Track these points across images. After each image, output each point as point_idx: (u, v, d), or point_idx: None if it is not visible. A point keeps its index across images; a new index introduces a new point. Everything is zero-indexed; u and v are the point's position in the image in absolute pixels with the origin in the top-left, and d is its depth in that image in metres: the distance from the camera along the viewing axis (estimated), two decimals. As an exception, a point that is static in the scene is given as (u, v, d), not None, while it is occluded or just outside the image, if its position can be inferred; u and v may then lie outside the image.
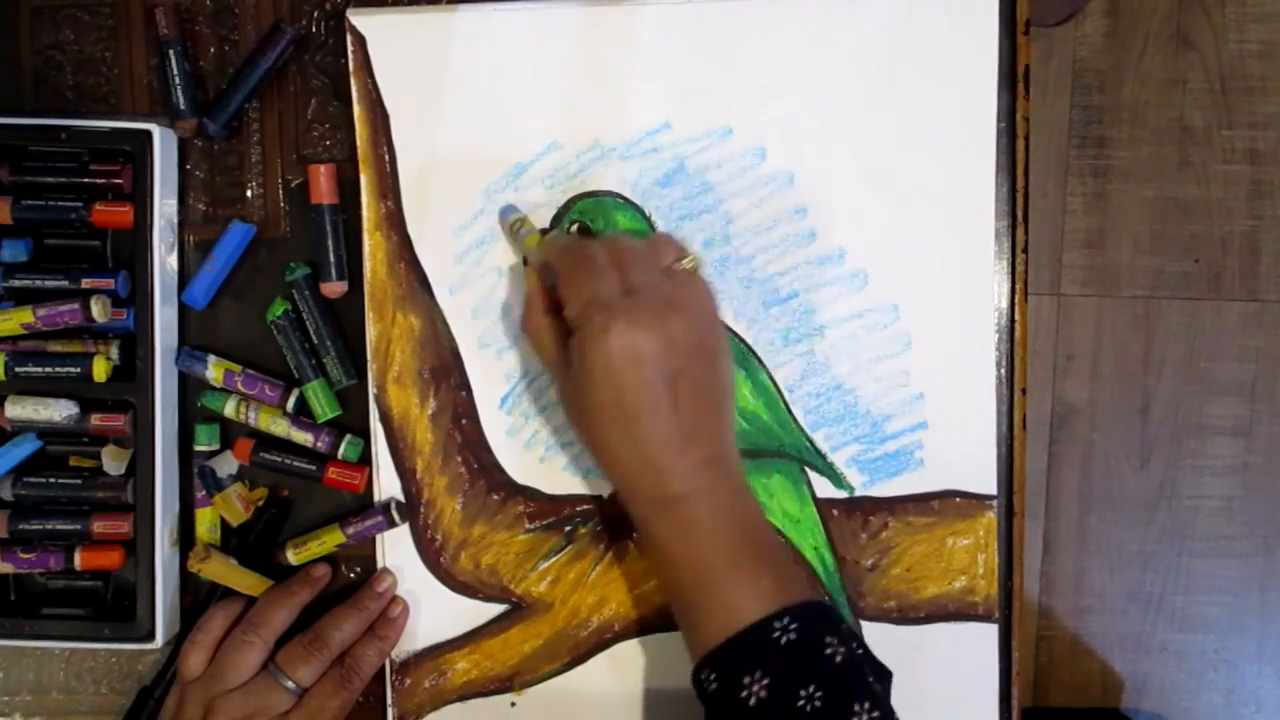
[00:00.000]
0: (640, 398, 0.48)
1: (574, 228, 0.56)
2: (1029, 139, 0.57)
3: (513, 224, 0.56)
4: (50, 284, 0.55)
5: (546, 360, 0.53)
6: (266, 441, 0.58)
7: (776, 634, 0.45)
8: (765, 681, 0.45)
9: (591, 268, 0.50)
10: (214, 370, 0.57)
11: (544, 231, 0.56)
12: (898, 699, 0.58)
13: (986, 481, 0.58)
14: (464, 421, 0.57)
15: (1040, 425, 1.29)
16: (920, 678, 0.58)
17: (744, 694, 0.45)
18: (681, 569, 0.49)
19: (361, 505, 0.58)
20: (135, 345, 0.55)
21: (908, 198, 0.56)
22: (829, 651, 0.45)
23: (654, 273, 0.50)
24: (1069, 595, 1.29)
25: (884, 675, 0.48)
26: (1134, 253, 1.28)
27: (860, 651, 0.47)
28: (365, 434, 0.57)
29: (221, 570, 0.56)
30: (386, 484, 0.57)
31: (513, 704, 0.58)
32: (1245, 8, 1.24)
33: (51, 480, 0.56)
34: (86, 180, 0.55)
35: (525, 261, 0.55)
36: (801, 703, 0.44)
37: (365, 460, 0.58)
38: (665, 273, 0.51)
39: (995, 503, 0.58)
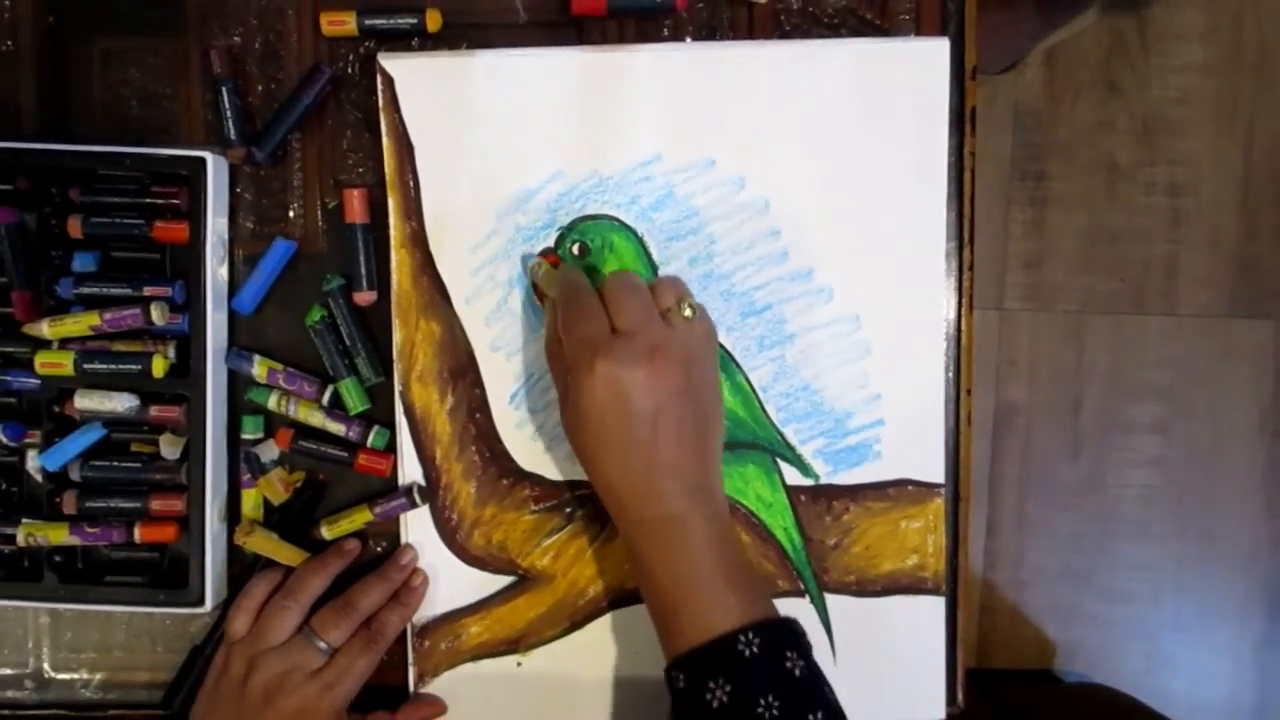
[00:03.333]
0: (624, 430, 0.47)
1: (575, 247, 0.56)
2: (975, 172, 0.57)
3: (532, 268, 0.55)
4: (115, 291, 0.55)
5: (559, 390, 0.52)
6: (304, 431, 0.57)
7: (741, 647, 0.45)
8: (728, 689, 0.44)
9: (584, 309, 0.49)
10: (259, 368, 0.56)
11: (551, 250, 0.56)
12: (858, 663, 0.58)
13: (936, 471, 0.57)
14: (478, 415, 0.57)
15: (984, 422, 1.28)
16: (877, 643, 0.58)
17: (708, 696, 0.44)
18: (660, 582, 0.48)
19: (387, 488, 0.58)
20: (190, 346, 0.55)
21: (869, 222, 0.56)
22: (789, 665, 0.45)
23: (647, 316, 0.49)
24: (1009, 571, 1.29)
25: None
26: (1067, 272, 1.27)
27: (818, 666, 0.47)
28: (391, 425, 0.57)
29: (264, 543, 0.56)
30: (409, 470, 0.57)
31: (519, 664, 0.58)
32: (1166, 60, 1.24)
33: (115, 464, 0.56)
34: (148, 201, 0.55)
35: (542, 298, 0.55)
36: (760, 709, 0.43)
37: (391, 448, 0.57)
38: (661, 316, 0.49)
39: (943, 490, 0.57)
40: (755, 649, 0.45)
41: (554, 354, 0.51)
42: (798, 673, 0.45)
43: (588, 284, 0.51)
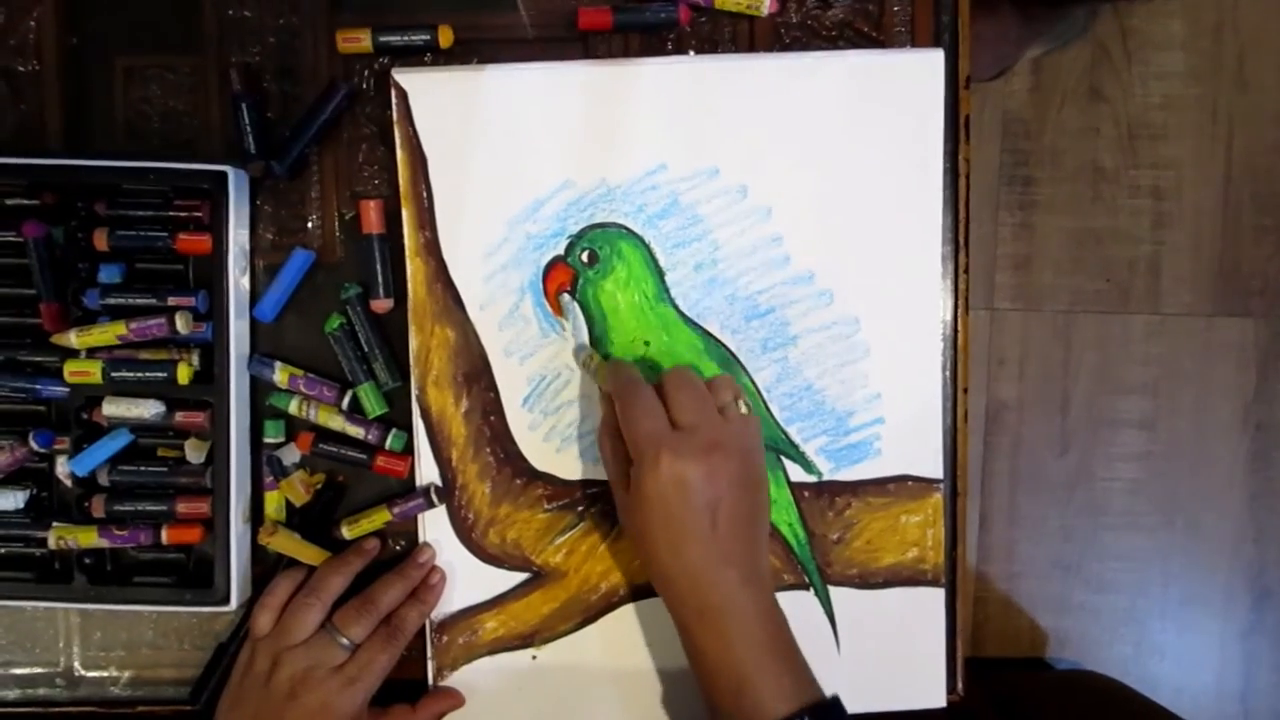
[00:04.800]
0: (685, 521, 0.47)
1: (585, 255, 0.56)
2: (969, 177, 0.57)
3: (584, 361, 0.56)
4: (141, 301, 0.55)
5: (610, 476, 0.53)
6: (324, 434, 0.57)
7: None
8: None
9: (645, 405, 0.49)
10: (280, 374, 0.56)
11: (561, 259, 0.56)
12: (861, 653, 0.58)
13: (934, 467, 0.58)
14: (492, 418, 0.57)
15: (976, 419, 1.28)
16: (879, 634, 0.58)
17: None
18: (718, 668, 0.48)
19: (405, 489, 0.58)
20: (213, 353, 0.55)
21: (867, 227, 0.56)
22: None
23: (705, 411, 0.49)
24: (1002, 563, 1.29)
25: None
26: (1055, 274, 1.27)
27: None
28: (408, 428, 0.57)
29: (286, 543, 0.56)
30: (426, 471, 0.57)
31: (534, 657, 0.58)
32: (1149, 67, 1.24)
33: (141, 468, 0.56)
34: (171, 214, 0.55)
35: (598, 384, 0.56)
36: None
37: (408, 450, 0.57)
38: (717, 411, 0.50)
39: (941, 485, 0.58)
40: None
41: (607, 445, 0.52)
42: None
43: (642, 379, 0.51)
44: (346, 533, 0.57)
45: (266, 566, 0.58)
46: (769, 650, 0.48)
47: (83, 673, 0.60)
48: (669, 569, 0.49)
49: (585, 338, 0.57)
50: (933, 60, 0.55)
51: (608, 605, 0.58)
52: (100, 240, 0.55)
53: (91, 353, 0.55)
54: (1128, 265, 1.27)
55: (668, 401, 0.50)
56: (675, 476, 0.47)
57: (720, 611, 0.48)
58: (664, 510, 0.48)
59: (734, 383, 0.52)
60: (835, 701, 0.48)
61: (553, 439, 0.57)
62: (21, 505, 0.56)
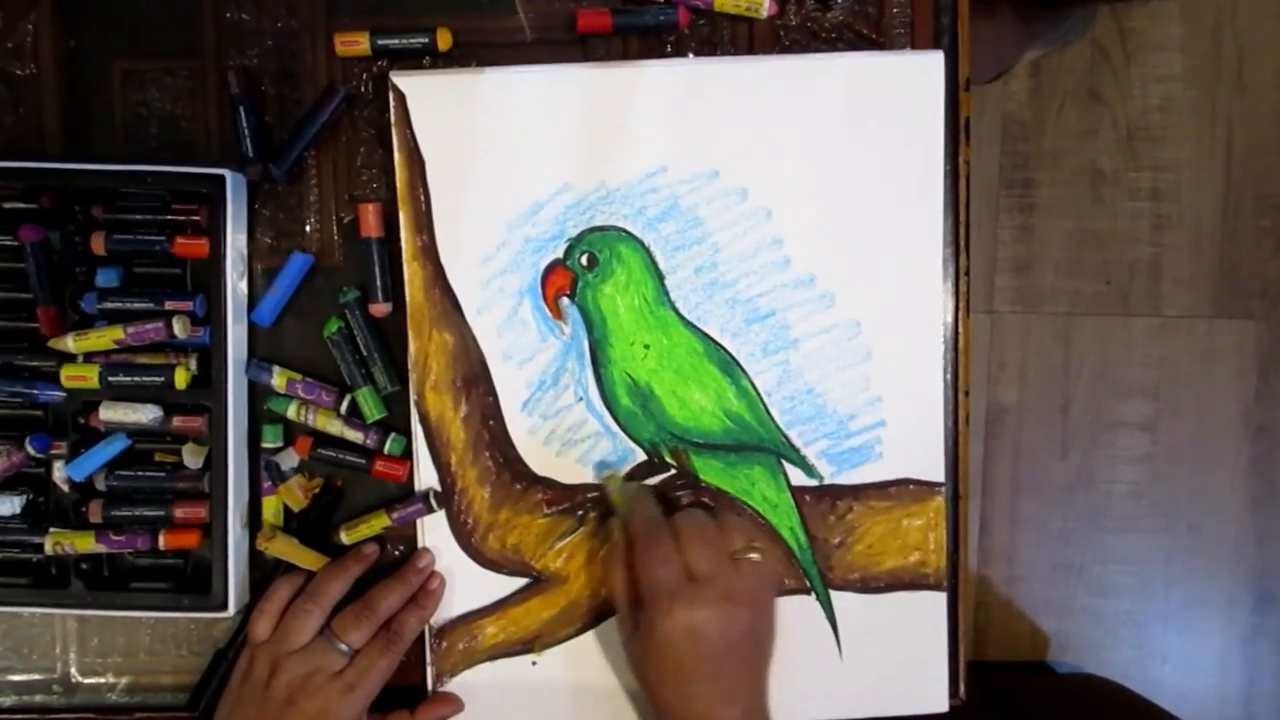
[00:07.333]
0: (694, 668, 0.48)
1: (584, 258, 0.56)
2: (970, 180, 0.57)
3: (607, 480, 0.56)
4: (138, 306, 0.54)
5: (617, 607, 0.53)
6: (323, 439, 0.57)
7: None
8: None
9: (661, 551, 0.50)
10: (278, 379, 0.56)
11: (561, 263, 0.56)
12: (863, 658, 0.58)
13: (936, 471, 0.57)
14: (491, 422, 0.57)
15: (977, 422, 1.28)
16: (882, 638, 0.58)
17: None
18: None
19: (404, 493, 0.58)
20: (211, 358, 0.54)
21: (867, 230, 0.56)
22: None
23: (718, 559, 0.50)
24: (1003, 566, 1.29)
25: None
26: (1055, 276, 1.27)
27: None
28: (407, 433, 0.57)
29: (285, 548, 0.55)
30: (425, 475, 0.57)
31: (534, 663, 0.58)
32: (1147, 69, 1.24)
33: (139, 473, 0.56)
34: (169, 218, 0.55)
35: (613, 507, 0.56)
36: None
37: (407, 455, 0.57)
38: (730, 558, 0.51)
39: (943, 489, 0.57)
40: None
41: (619, 576, 0.52)
42: None
43: (662, 520, 0.52)
44: (345, 538, 0.57)
45: (265, 572, 0.58)
46: None
47: (80, 679, 0.59)
48: (670, 705, 0.49)
49: (585, 343, 0.56)
50: (932, 62, 0.55)
51: (607, 610, 0.58)
52: (97, 244, 0.54)
53: (88, 357, 0.55)
54: (1128, 267, 1.27)
55: (681, 548, 0.50)
56: (688, 627, 0.48)
57: None
58: (673, 656, 0.48)
59: (747, 529, 0.54)
60: None
61: (552, 443, 0.57)
62: (18, 510, 0.56)
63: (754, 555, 0.52)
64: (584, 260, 0.56)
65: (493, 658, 0.58)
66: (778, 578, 0.54)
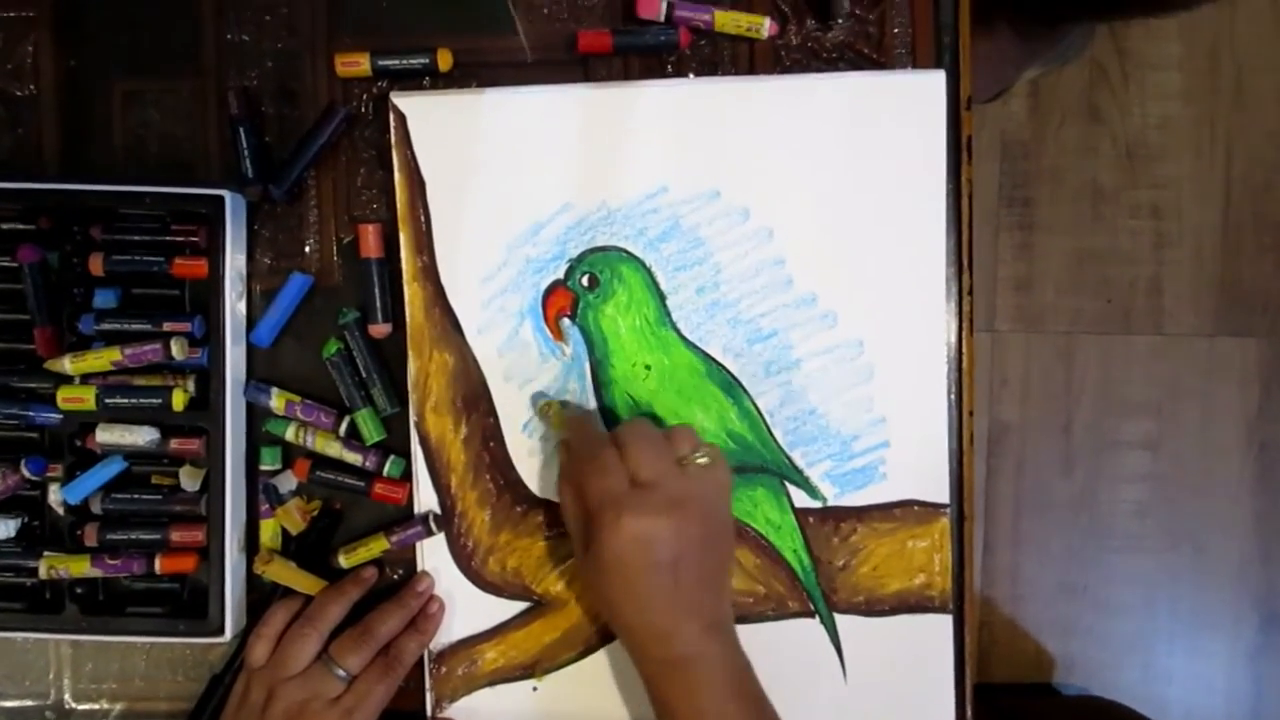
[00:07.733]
0: (647, 579, 0.47)
1: (585, 279, 0.56)
2: (972, 198, 0.56)
3: (541, 408, 0.55)
4: (136, 327, 0.54)
5: (571, 531, 0.51)
6: (321, 461, 0.57)
7: None
8: None
9: (603, 462, 0.48)
10: (276, 400, 0.56)
11: (561, 283, 0.55)
12: (868, 682, 0.57)
13: (940, 491, 0.57)
14: (491, 444, 0.56)
15: (979, 442, 1.28)
16: (887, 662, 0.57)
17: None
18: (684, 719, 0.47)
19: (403, 516, 0.57)
20: (209, 379, 0.54)
21: (870, 249, 0.56)
22: None
23: (664, 466, 0.48)
24: (1006, 586, 1.28)
25: None
26: (1056, 294, 1.27)
27: None
28: (407, 454, 0.56)
29: (282, 572, 0.55)
30: (425, 498, 0.56)
31: (535, 688, 0.57)
32: (1145, 88, 1.25)
33: (135, 496, 0.55)
34: (168, 238, 0.55)
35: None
36: None
37: (407, 477, 0.57)
38: (677, 464, 0.49)
39: (948, 510, 0.57)
40: None
41: (568, 498, 0.51)
42: None
43: (603, 432, 0.51)
44: (344, 561, 0.56)
45: (262, 596, 0.57)
46: (735, 699, 0.47)
47: (74, 705, 0.59)
48: (631, 623, 0.48)
49: (586, 364, 0.56)
50: (933, 81, 0.55)
51: (610, 635, 0.57)
52: (96, 265, 0.54)
53: (85, 378, 0.54)
54: (1129, 285, 1.27)
55: (625, 456, 0.48)
56: (635, 536, 0.46)
57: (684, 663, 0.47)
58: (625, 570, 0.47)
59: (693, 434, 0.51)
60: None
61: (553, 465, 0.56)
62: (13, 534, 0.55)
63: (702, 459, 0.49)
64: (585, 281, 0.56)
65: (493, 683, 0.57)
66: (729, 483, 0.51)
